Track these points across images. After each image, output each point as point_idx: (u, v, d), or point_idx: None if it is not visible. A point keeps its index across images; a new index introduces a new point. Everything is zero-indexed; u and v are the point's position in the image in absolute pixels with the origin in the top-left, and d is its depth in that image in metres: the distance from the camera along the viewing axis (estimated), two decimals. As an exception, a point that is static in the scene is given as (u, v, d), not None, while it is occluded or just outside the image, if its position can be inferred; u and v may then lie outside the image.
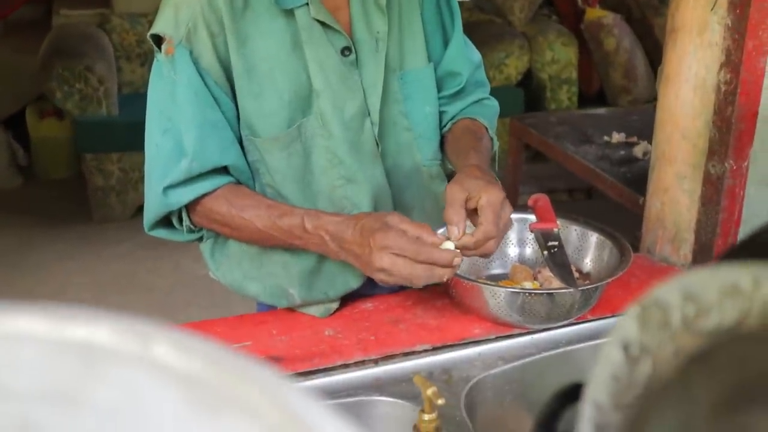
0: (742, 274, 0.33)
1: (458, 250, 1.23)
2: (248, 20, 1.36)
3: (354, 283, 1.46)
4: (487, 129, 1.58)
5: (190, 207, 1.42)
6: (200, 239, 1.51)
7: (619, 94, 4.88)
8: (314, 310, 1.48)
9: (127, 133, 4.28)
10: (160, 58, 1.38)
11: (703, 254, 1.56)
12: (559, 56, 4.87)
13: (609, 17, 4.87)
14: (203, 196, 1.39)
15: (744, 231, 1.53)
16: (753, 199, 1.51)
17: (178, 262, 3.91)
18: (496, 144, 1.61)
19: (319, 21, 1.38)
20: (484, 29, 4.88)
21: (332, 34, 1.40)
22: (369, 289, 1.48)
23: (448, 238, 1.25)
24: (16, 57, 5.04)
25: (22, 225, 4.36)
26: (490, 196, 1.28)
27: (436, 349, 1.33)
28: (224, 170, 1.41)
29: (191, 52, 1.35)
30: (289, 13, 1.37)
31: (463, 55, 1.61)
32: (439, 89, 1.59)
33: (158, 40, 1.37)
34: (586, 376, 1.10)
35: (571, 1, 5.10)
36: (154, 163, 1.41)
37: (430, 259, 1.21)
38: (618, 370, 0.37)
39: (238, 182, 1.44)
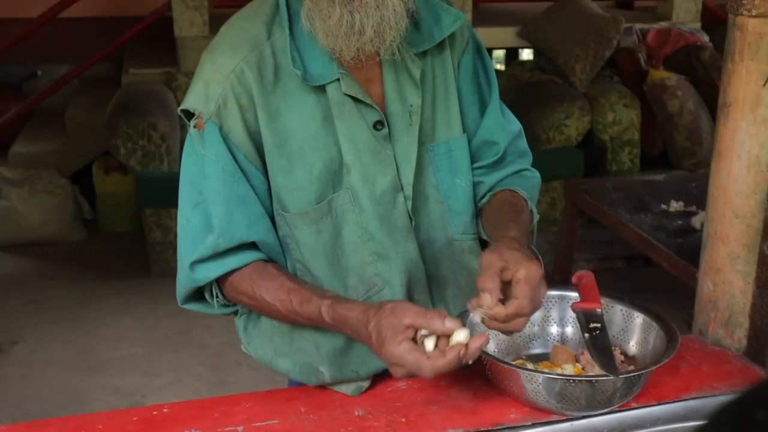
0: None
1: (464, 346, 1.17)
2: (279, 95, 1.37)
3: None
4: (527, 201, 1.53)
5: (219, 282, 1.41)
6: (235, 313, 1.50)
7: (683, 157, 4.79)
8: (345, 389, 1.45)
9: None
10: (191, 133, 1.38)
11: (758, 339, 1.51)
12: (621, 117, 4.82)
13: (673, 78, 4.82)
14: (231, 272, 1.38)
15: (801, 317, 1.46)
16: (811, 282, 1.45)
17: (229, 321, 3.89)
18: (536, 217, 1.56)
19: (350, 96, 1.37)
20: (545, 90, 4.87)
21: (364, 108, 1.39)
22: None
23: (459, 325, 1.19)
24: (86, 114, 5.20)
25: (84, 278, 4.45)
26: (529, 271, 1.24)
27: (469, 435, 1.29)
28: (253, 246, 1.39)
29: (221, 128, 1.36)
30: (320, 88, 1.37)
31: (500, 124, 1.57)
32: (477, 159, 1.56)
33: (189, 115, 1.38)
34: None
35: (634, 62, 5.06)
36: (184, 238, 1.42)
37: (438, 370, 1.17)
38: None
39: (268, 259, 1.42)
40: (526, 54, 6.16)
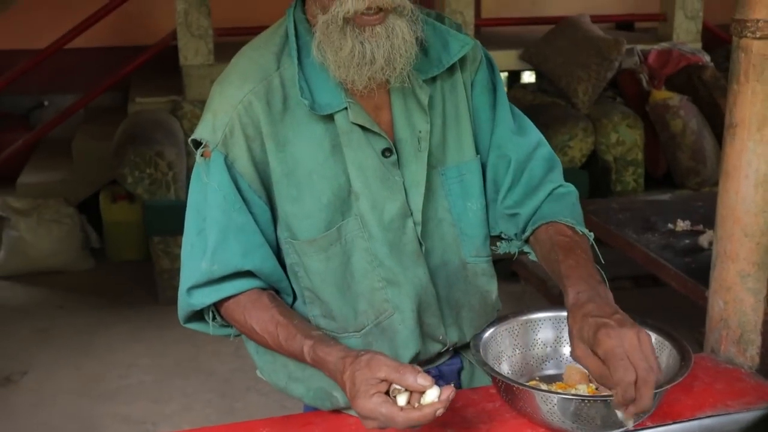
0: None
1: (442, 398, 1.16)
2: (287, 125, 1.38)
3: None
4: (574, 228, 1.46)
5: (216, 306, 1.42)
6: (237, 335, 1.50)
7: (687, 176, 4.80)
8: None
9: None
10: (198, 161, 1.40)
11: (769, 356, 1.50)
12: (624, 138, 4.83)
13: (675, 99, 4.83)
14: (226, 299, 1.39)
15: (813, 333, 1.46)
16: (822, 300, 1.45)
17: (238, 347, 3.90)
18: (590, 236, 1.49)
19: (358, 125, 1.38)
20: (548, 112, 4.88)
21: (372, 136, 1.39)
22: None
23: (438, 384, 1.18)
24: (93, 143, 5.22)
25: (93, 306, 4.46)
26: (608, 344, 1.17)
27: (485, 457, 1.29)
28: (249, 274, 1.40)
29: (226, 157, 1.37)
30: (328, 117, 1.38)
31: (510, 137, 1.53)
32: (498, 178, 1.53)
33: (197, 144, 1.40)
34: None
35: (636, 83, 5.08)
36: (186, 262, 1.43)
37: (412, 423, 1.16)
38: None
39: (266, 286, 1.42)
40: (528, 76, 6.18)
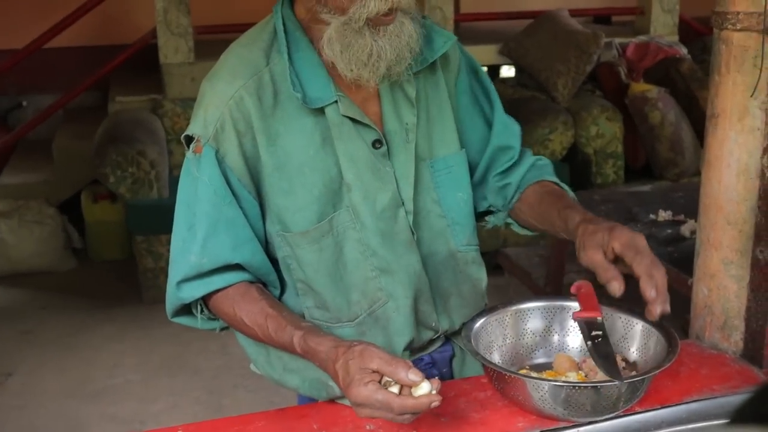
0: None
1: (434, 393, 1.17)
2: (278, 119, 1.40)
3: None
4: (558, 184, 1.60)
5: (204, 299, 1.43)
6: (224, 328, 1.52)
7: (666, 167, 4.83)
8: None
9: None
10: (188, 156, 1.41)
11: (754, 341, 1.52)
12: (603, 131, 4.86)
13: (653, 91, 4.86)
14: (215, 292, 1.41)
15: (795, 318, 1.48)
16: (803, 285, 1.48)
17: (224, 344, 3.91)
18: (571, 192, 1.61)
19: (348, 117, 1.40)
20: (528, 106, 4.91)
21: (362, 128, 1.42)
22: None
23: (428, 377, 1.19)
24: (73, 143, 5.20)
25: (76, 307, 4.44)
26: (628, 239, 1.33)
27: (479, 444, 1.30)
28: (238, 267, 1.41)
29: (217, 151, 1.38)
30: (319, 110, 1.40)
31: (510, 129, 1.62)
32: (493, 166, 1.61)
33: (189, 140, 1.42)
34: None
35: (614, 76, 5.11)
36: (176, 256, 1.44)
37: (408, 409, 1.16)
38: None
39: (254, 280, 1.44)
40: (507, 71, 6.20)
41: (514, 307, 1.52)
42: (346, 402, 1.45)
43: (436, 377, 1.22)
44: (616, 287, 1.32)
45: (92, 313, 4.35)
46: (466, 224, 1.56)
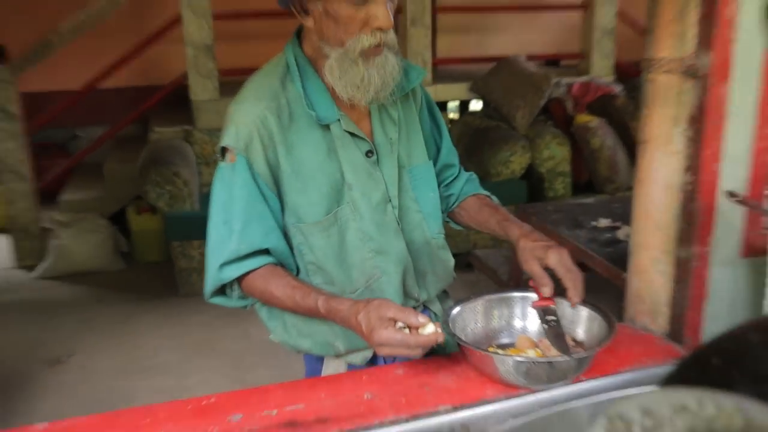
0: (689, 396, 0.32)
1: (438, 330, 1.27)
2: (293, 133, 1.43)
3: None
4: (492, 198, 1.70)
5: (239, 280, 1.46)
6: (252, 305, 1.55)
7: (605, 183, 4.86)
8: (354, 358, 1.53)
9: (206, 225, 4.34)
10: (222, 164, 1.44)
11: (676, 324, 1.53)
12: (554, 154, 4.88)
13: (594, 121, 4.89)
14: (249, 272, 1.43)
15: (709, 305, 1.50)
16: (715, 278, 1.49)
17: (246, 330, 3.91)
18: (497, 200, 1.72)
19: (349, 132, 1.45)
20: (493, 133, 4.93)
21: (358, 140, 1.47)
22: None
23: (432, 320, 1.28)
24: (120, 166, 5.20)
25: (124, 300, 4.43)
26: (557, 258, 1.42)
27: (456, 409, 1.30)
28: (266, 252, 1.44)
29: (248, 160, 1.41)
30: (325, 126, 1.44)
31: (453, 151, 1.70)
32: (441, 178, 1.68)
33: (223, 150, 1.44)
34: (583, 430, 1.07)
35: (562, 109, 5.14)
36: (214, 246, 1.46)
37: (418, 345, 1.25)
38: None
39: (278, 263, 1.47)
40: (476, 104, 6.22)
41: (484, 298, 1.54)
42: (349, 358, 1.53)
43: (438, 321, 1.30)
44: (548, 291, 1.45)
45: (137, 305, 4.34)
46: (437, 217, 1.62)
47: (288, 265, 1.50)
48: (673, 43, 1.41)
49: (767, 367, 0.34)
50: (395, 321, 1.26)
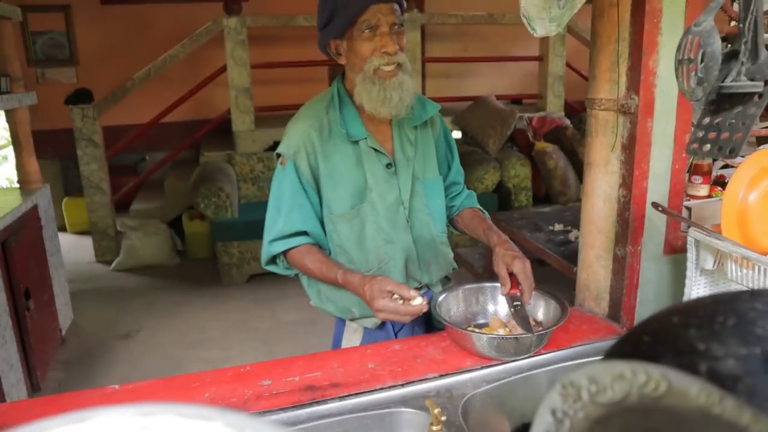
0: (625, 367, 0.32)
1: (424, 303, 1.28)
2: (330, 145, 1.46)
3: None
4: (482, 212, 1.68)
5: (285, 256, 1.50)
6: (297, 275, 1.58)
7: (559, 196, 4.86)
8: (366, 322, 1.55)
9: (244, 229, 4.34)
10: (278, 166, 1.49)
11: (615, 307, 1.53)
12: (519, 172, 4.89)
13: (550, 147, 4.90)
14: (290, 249, 1.48)
15: (640, 292, 1.49)
16: (645, 271, 1.48)
17: (274, 312, 3.90)
18: (488, 214, 1.70)
19: (373, 148, 1.47)
20: (470, 156, 4.93)
21: (381, 155, 1.48)
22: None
23: (420, 295, 1.30)
24: (178, 182, 5.19)
25: (178, 288, 4.42)
26: (521, 266, 1.40)
27: (442, 376, 1.30)
28: (305, 234, 1.48)
29: (295, 164, 1.46)
30: (355, 142, 1.47)
31: (460, 172, 1.70)
32: (448, 192, 1.68)
33: (278, 156, 1.49)
34: (541, 393, 1.06)
35: (525, 138, 5.14)
36: (268, 226, 1.50)
37: (408, 312, 1.28)
38: (548, 427, 0.36)
39: (314, 243, 1.50)
40: (457, 134, 6.22)
41: (463, 288, 1.53)
42: (363, 322, 1.55)
43: (426, 297, 1.33)
44: (505, 289, 1.43)
45: (189, 292, 4.34)
46: (442, 220, 1.62)
47: (323, 246, 1.53)
48: (609, 87, 1.41)
49: (685, 342, 0.34)
50: (392, 293, 1.29)
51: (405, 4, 1.44)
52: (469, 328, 1.44)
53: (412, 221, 1.54)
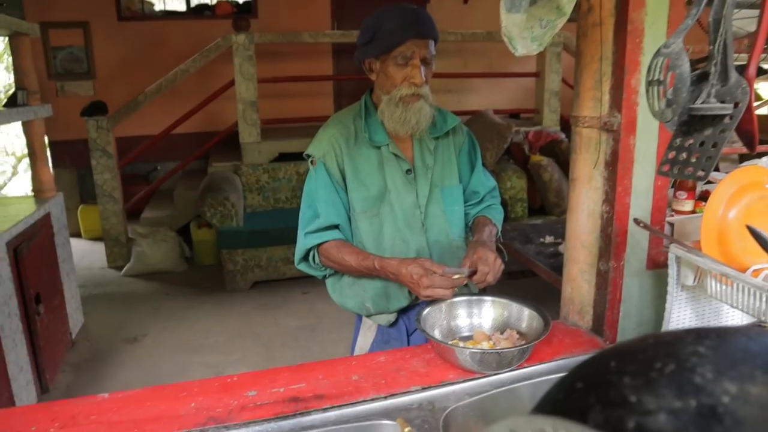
0: (546, 423, 0.29)
1: (464, 274, 1.35)
2: (355, 150, 1.52)
3: (404, 302, 1.57)
4: (491, 220, 1.65)
5: (319, 250, 1.51)
6: (325, 276, 1.60)
7: (553, 208, 4.82)
8: (381, 319, 1.59)
9: (249, 237, 4.31)
10: (310, 167, 1.54)
11: (598, 321, 1.49)
12: (515, 185, 4.85)
13: (545, 160, 4.87)
14: (324, 242, 1.50)
15: (623, 306, 1.45)
16: (627, 285, 1.45)
17: (276, 318, 3.87)
18: (499, 230, 1.69)
19: (394, 154, 1.52)
20: (468, 169, 4.89)
21: (401, 161, 1.54)
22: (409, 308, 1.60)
23: (458, 272, 1.35)
24: (187, 192, 5.18)
25: (185, 294, 4.40)
26: (482, 254, 1.40)
27: (424, 389, 1.27)
28: (337, 228, 1.51)
29: (325, 164, 1.51)
30: (378, 147, 1.53)
31: (481, 181, 1.70)
32: (467, 200, 1.69)
33: (308, 157, 1.54)
34: (524, 406, 1.02)
35: (521, 151, 5.11)
36: (302, 222, 1.54)
37: (453, 285, 1.33)
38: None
39: (344, 239, 1.53)
40: (456, 147, 6.21)
41: (446, 301, 1.48)
42: (377, 319, 1.59)
43: (465, 269, 1.37)
44: (465, 270, 1.38)
45: (195, 298, 4.31)
46: (459, 224, 1.64)
47: (350, 240, 1.56)
48: (593, 104, 1.38)
49: (617, 393, 0.31)
50: (434, 271, 1.33)
51: (438, 38, 1.49)
52: (453, 341, 1.40)
53: (427, 225, 1.57)
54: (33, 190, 3.59)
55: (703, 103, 0.68)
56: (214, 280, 4.63)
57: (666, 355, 0.32)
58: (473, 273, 1.39)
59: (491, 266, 1.39)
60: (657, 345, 0.34)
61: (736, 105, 0.67)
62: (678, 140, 0.73)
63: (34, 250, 3.01)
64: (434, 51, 1.48)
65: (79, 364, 3.36)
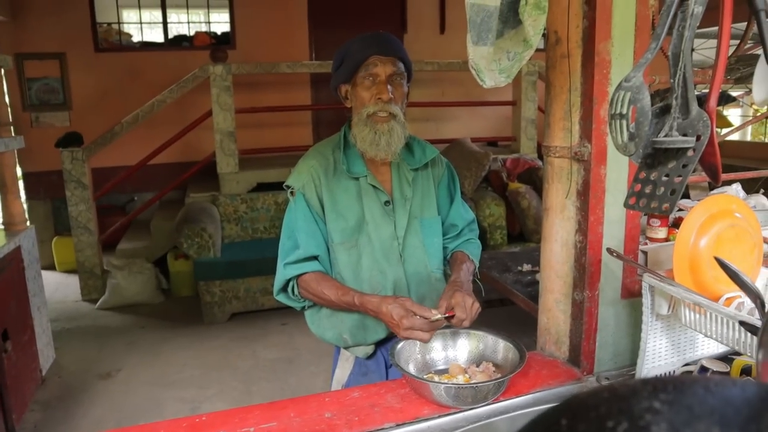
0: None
1: (442, 317, 1.32)
2: (334, 181, 1.51)
3: (382, 335, 1.54)
4: (468, 256, 1.63)
5: (298, 282, 1.49)
6: (304, 308, 1.57)
7: (532, 234, 4.84)
8: (359, 351, 1.57)
9: (226, 268, 4.25)
10: (290, 198, 1.53)
11: (575, 351, 1.47)
12: (493, 212, 4.86)
13: (523, 187, 4.90)
14: (303, 274, 1.48)
15: (599, 336, 1.43)
16: (603, 315, 1.43)
17: (254, 351, 3.78)
18: (477, 265, 1.66)
19: (372, 185, 1.52)
20: (446, 197, 4.90)
21: (380, 192, 1.53)
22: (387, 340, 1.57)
23: (438, 312, 1.33)
24: (164, 222, 5.11)
25: (161, 327, 4.30)
26: (459, 299, 1.36)
27: (398, 425, 1.23)
28: (316, 259, 1.49)
29: (304, 195, 1.50)
30: (356, 179, 1.52)
31: (460, 214, 1.69)
32: (445, 233, 1.67)
33: (288, 188, 1.53)
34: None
35: (499, 178, 5.14)
36: (282, 253, 1.52)
37: (432, 328, 1.31)
38: None
39: (323, 271, 1.51)
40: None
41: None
42: (355, 351, 1.57)
43: (443, 310, 1.35)
44: (440, 311, 1.36)
45: (171, 331, 4.21)
46: (438, 256, 1.62)
47: (329, 272, 1.54)
48: (563, 135, 1.38)
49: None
50: (414, 313, 1.31)
51: (410, 63, 1.50)
52: (428, 375, 1.37)
53: (405, 256, 1.55)
54: (3, 223, 3.51)
55: (665, 136, 0.67)
56: (191, 312, 4.53)
57: (619, 412, 0.30)
58: (451, 316, 1.36)
59: (468, 312, 1.36)
60: (611, 400, 0.32)
61: (698, 138, 0.67)
62: (643, 173, 0.72)
63: (2, 285, 2.92)
64: (403, 71, 1.47)
65: (49, 401, 3.24)
